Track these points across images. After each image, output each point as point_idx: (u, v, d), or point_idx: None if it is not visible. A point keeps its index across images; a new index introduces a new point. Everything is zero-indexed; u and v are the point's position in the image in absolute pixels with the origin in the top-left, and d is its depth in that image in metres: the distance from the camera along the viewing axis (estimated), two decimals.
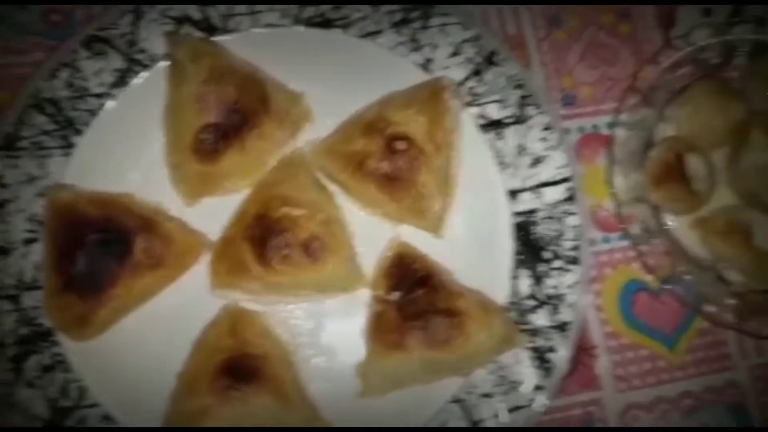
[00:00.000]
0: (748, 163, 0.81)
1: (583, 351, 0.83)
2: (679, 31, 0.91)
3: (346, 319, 0.79)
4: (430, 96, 0.81)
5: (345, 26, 0.83)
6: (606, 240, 0.86)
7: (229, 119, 0.79)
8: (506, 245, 0.80)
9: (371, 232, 0.82)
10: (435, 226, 0.82)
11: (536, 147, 0.81)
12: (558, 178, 0.80)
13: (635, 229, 0.84)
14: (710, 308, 0.80)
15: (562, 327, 0.76)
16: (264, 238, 0.77)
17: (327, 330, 0.79)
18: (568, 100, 0.90)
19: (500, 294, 0.79)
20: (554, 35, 0.92)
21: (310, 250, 0.77)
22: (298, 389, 0.77)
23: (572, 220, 0.79)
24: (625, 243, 0.86)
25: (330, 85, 0.84)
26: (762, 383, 0.84)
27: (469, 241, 0.82)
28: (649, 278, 0.85)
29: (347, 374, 0.77)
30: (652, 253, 0.83)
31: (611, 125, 0.86)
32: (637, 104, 0.86)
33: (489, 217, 0.81)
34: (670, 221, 0.86)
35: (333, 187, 0.83)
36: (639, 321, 0.84)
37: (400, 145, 0.79)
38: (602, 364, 0.83)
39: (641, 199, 0.84)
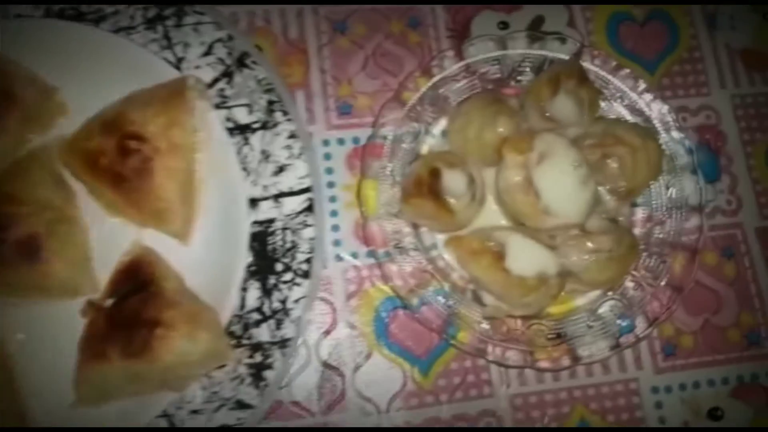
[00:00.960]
0: (502, 183, 0.76)
1: (331, 369, 0.78)
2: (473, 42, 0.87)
3: (69, 325, 0.75)
4: (171, 95, 0.77)
5: (97, 20, 0.80)
6: (371, 254, 0.81)
7: None
8: (242, 255, 0.75)
9: (116, 237, 0.78)
10: (181, 232, 0.78)
11: (281, 155, 0.77)
12: (298, 188, 0.75)
13: (390, 245, 0.79)
14: (464, 333, 0.75)
15: (283, 343, 0.71)
16: None
17: (50, 336, 0.75)
18: (345, 110, 0.86)
19: (229, 306, 0.74)
20: (337, 42, 0.88)
21: (27, 249, 0.72)
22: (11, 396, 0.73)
23: (308, 233, 0.74)
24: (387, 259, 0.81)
25: (86, 80, 0.81)
26: (522, 412, 0.79)
27: (213, 250, 0.78)
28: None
29: (65, 383, 0.72)
30: (406, 270, 0.78)
31: (377, 137, 0.81)
32: (405, 117, 0.82)
33: (232, 226, 0.77)
34: (430, 239, 0.81)
35: (79, 187, 0.79)
36: (393, 341, 0.79)
37: (132, 144, 0.75)
38: (350, 385, 0.78)
39: (398, 214, 0.80)
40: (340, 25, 0.88)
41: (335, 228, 0.82)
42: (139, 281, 0.74)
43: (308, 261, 0.74)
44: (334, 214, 0.83)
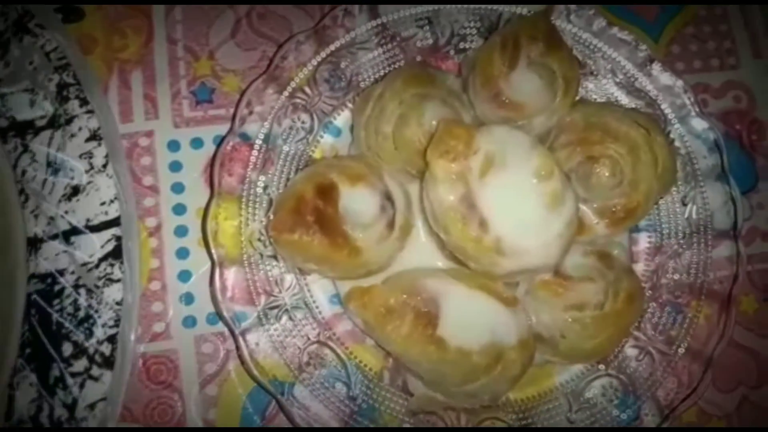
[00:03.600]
0: (430, 204, 0.47)
1: None
2: None
3: None
4: None
5: None
6: (236, 318, 0.51)
7: None
8: (14, 330, 0.46)
9: None
10: None
11: (76, 167, 0.47)
12: (100, 220, 0.46)
13: (261, 305, 0.50)
14: None
15: None
16: None
17: None
18: (203, 95, 0.57)
19: None
20: None
21: None
22: None
23: (113, 293, 0.45)
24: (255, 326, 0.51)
25: None
26: None
27: None
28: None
29: None
30: (286, 343, 0.49)
31: (240, 135, 0.52)
32: (287, 105, 0.53)
33: (3, 282, 0.47)
34: (326, 292, 0.52)
35: None
36: None
37: None
38: None
39: (273, 256, 0.51)
40: None
41: (185, 276, 0.54)
42: None
43: (111, 340, 0.44)
44: (182, 254, 0.54)
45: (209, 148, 0.57)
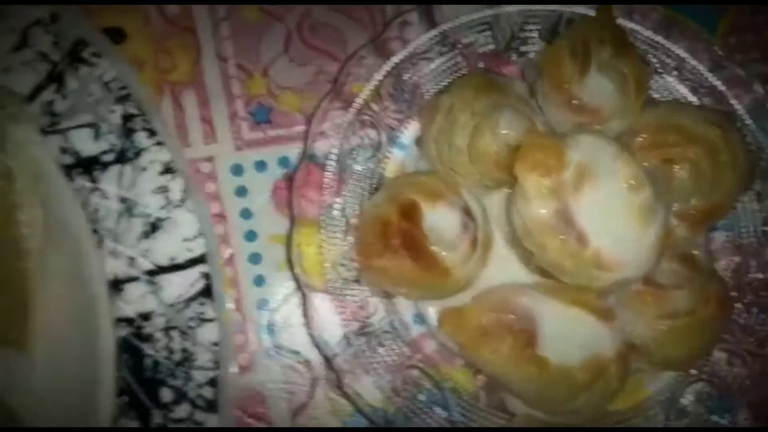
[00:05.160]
0: (521, 220, 0.46)
1: None
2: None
3: None
4: None
5: None
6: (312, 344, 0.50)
7: None
8: (106, 376, 0.44)
9: None
10: (13, 338, 0.46)
11: (151, 203, 0.45)
12: (185, 257, 0.44)
13: (348, 328, 0.48)
14: None
15: None
16: None
17: None
18: (262, 116, 0.55)
19: None
20: (241, 12, 0.56)
21: None
22: None
23: (208, 332, 0.43)
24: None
25: None
26: None
27: (62, 367, 0.46)
28: None
29: None
30: (379, 369, 0.48)
31: (313, 158, 0.51)
32: (355, 121, 0.51)
33: (83, 325, 0.45)
34: (411, 312, 0.50)
35: None
36: None
37: None
38: None
39: (357, 281, 0.49)
40: None
41: (263, 304, 0.51)
42: None
43: (212, 383, 0.42)
44: (259, 281, 0.52)
45: (273, 170, 0.55)
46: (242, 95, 0.56)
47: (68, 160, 0.47)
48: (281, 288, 0.52)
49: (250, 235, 0.53)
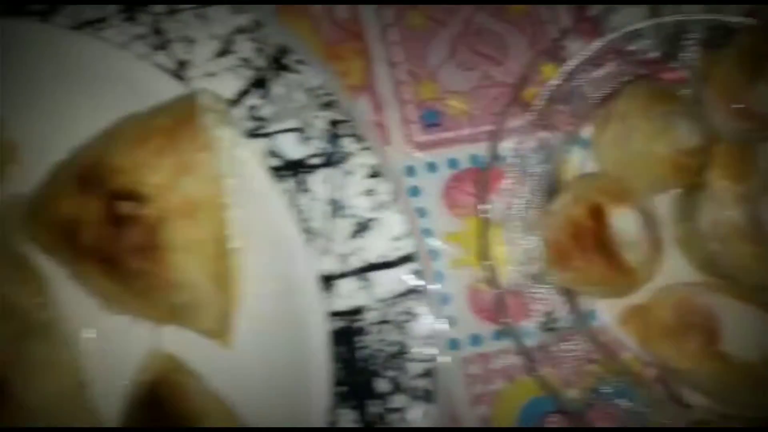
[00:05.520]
0: (704, 218, 0.48)
1: None
2: (598, 10, 0.58)
3: None
4: (177, 123, 0.47)
5: (45, 12, 0.49)
6: (497, 336, 0.53)
7: None
8: (319, 367, 0.46)
9: (122, 343, 0.50)
10: (217, 329, 0.49)
11: (359, 204, 0.47)
12: (395, 255, 0.46)
13: (533, 323, 0.51)
14: None
15: None
16: None
17: None
18: (431, 119, 0.57)
19: None
20: (407, 18, 0.58)
21: None
22: None
23: (420, 327, 0.45)
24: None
25: (39, 104, 0.52)
26: None
27: (267, 357, 0.49)
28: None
29: None
30: (562, 359, 0.50)
31: (489, 159, 0.53)
32: (531, 124, 0.53)
33: (295, 320, 0.48)
34: (590, 309, 0.53)
35: (55, 270, 0.50)
36: None
37: (127, 209, 0.45)
38: None
39: (540, 278, 0.51)
40: None
41: (444, 300, 0.54)
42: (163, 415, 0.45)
43: (428, 374, 0.45)
44: (437, 278, 0.54)
45: (444, 171, 0.57)
46: (412, 100, 0.58)
47: (275, 162, 0.49)
48: (457, 284, 0.54)
49: (426, 233, 0.56)
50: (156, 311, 0.49)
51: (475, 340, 0.54)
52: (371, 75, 0.58)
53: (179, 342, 0.50)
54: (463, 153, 0.58)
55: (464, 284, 0.55)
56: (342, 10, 0.59)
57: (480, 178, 0.53)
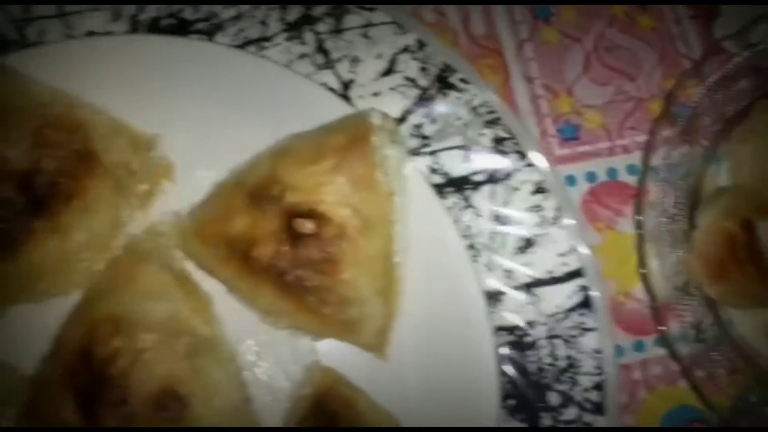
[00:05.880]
0: None
1: None
2: (726, 25, 0.59)
3: None
4: (350, 142, 0.49)
5: (211, 31, 0.50)
6: (638, 347, 0.55)
7: (27, 192, 0.48)
8: (487, 381, 0.48)
9: (282, 357, 0.52)
10: (375, 343, 0.51)
11: (524, 220, 0.49)
12: (562, 271, 0.48)
13: (680, 333, 0.52)
14: None
15: None
16: (90, 389, 0.45)
17: None
18: (569, 133, 0.58)
19: None
20: (542, 34, 0.60)
21: (167, 406, 0.45)
22: None
23: (590, 341, 0.47)
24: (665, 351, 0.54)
25: (197, 122, 0.53)
26: None
27: (428, 369, 0.50)
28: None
29: None
30: (709, 369, 0.52)
31: (640, 171, 0.54)
32: (675, 139, 0.55)
33: (456, 333, 0.49)
34: (734, 319, 0.54)
35: (212, 285, 0.52)
36: None
37: (306, 227, 0.47)
38: None
39: (688, 289, 0.53)
40: (543, 11, 0.60)
41: None
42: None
43: (598, 387, 0.46)
44: None
45: (582, 185, 0.59)
46: (550, 114, 0.59)
47: (438, 179, 0.51)
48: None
49: None
50: (321, 326, 0.51)
51: (617, 351, 0.56)
52: (509, 89, 0.59)
53: (334, 351, 0.51)
54: (599, 166, 0.59)
55: (605, 296, 0.56)
56: (478, 26, 0.60)
57: (629, 191, 0.54)
